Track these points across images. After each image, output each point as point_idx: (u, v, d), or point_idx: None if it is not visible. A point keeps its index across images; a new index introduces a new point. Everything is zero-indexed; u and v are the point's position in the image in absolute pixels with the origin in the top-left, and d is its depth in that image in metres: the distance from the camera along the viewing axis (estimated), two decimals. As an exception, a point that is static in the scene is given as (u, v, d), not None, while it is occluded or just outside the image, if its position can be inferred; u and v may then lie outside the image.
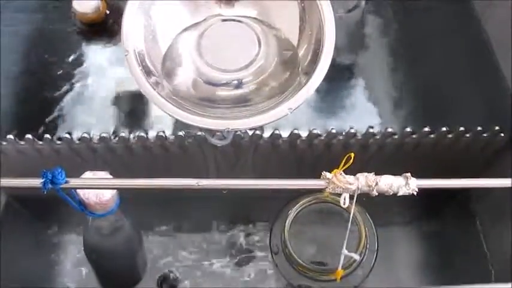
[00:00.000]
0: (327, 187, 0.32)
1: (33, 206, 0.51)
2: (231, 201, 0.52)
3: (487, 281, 0.48)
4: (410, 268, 0.54)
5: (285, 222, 0.43)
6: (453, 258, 0.53)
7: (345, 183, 0.32)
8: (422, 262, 0.54)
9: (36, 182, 0.32)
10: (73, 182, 0.32)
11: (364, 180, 0.32)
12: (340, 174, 0.32)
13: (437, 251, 0.54)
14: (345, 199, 0.33)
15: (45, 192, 0.31)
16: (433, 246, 0.55)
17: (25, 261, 0.53)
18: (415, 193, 0.33)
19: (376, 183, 0.32)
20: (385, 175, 0.33)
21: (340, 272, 0.37)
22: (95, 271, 0.45)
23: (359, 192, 0.32)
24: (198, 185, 0.33)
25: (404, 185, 0.32)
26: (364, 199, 0.37)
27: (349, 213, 0.35)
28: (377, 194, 0.33)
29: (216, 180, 0.33)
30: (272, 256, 0.43)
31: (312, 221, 0.44)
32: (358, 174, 0.33)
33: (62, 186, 0.32)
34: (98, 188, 0.35)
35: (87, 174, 0.37)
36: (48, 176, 0.31)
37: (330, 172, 0.34)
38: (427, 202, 0.54)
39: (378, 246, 0.44)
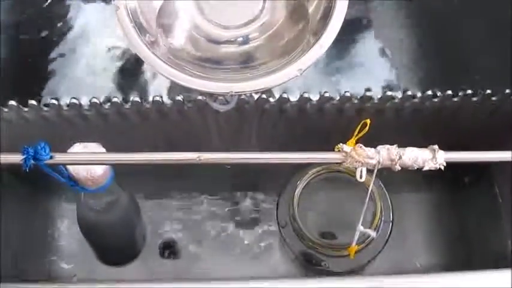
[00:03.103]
0: (344, 161, 0.29)
1: (29, 175, 0.48)
2: (236, 166, 0.49)
3: (503, 255, 0.46)
4: (423, 239, 0.51)
5: (294, 194, 0.40)
6: (469, 230, 0.50)
7: (364, 157, 0.28)
8: (436, 233, 0.52)
9: (16, 158, 0.28)
10: (59, 157, 0.28)
11: (386, 153, 0.29)
12: (360, 147, 0.28)
13: (453, 221, 0.52)
14: (361, 172, 0.30)
15: (27, 170, 0.28)
16: (447, 215, 0.52)
17: (23, 234, 0.51)
18: (442, 168, 0.29)
19: (400, 157, 0.29)
20: (409, 147, 0.29)
21: (354, 248, 0.34)
22: (92, 247, 0.43)
23: (380, 166, 0.29)
24: (199, 160, 0.29)
25: (431, 158, 0.29)
26: (385, 173, 0.33)
27: (364, 184, 0.31)
28: (400, 168, 0.29)
29: (218, 153, 0.29)
30: (279, 229, 0.41)
31: (323, 192, 0.41)
32: (379, 147, 0.29)
33: (46, 162, 0.28)
34: (87, 164, 0.31)
35: (77, 146, 0.33)
36: (29, 152, 0.27)
37: (345, 142, 0.31)
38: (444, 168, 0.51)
39: (393, 218, 0.42)
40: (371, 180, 0.30)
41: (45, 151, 0.28)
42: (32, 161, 0.28)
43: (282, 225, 0.40)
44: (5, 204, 0.47)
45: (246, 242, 0.51)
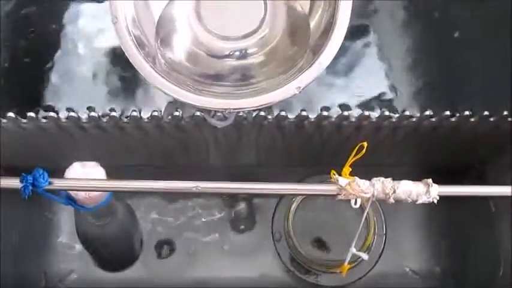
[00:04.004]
0: (338, 194, 0.29)
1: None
2: (234, 170, 0.50)
3: (495, 265, 0.47)
4: (415, 245, 0.52)
5: (289, 210, 0.40)
6: (462, 238, 0.51)
7: (359, 192, 0.29)
8: (429, 239, 0.52)
9: (16, 184, 0.28)
10: (57, 183, 0.29)
11: (381, 187, 0.29)
12: (354, 181, 0.29)
13: (446, 229, 0.52)
14: (356, 201, 0.30)
15: (26, 197, 0.28)
16: (441, 223, 0.53)
17: (23, 233, 0.52)
18: (435, 201, 0.30)
19: (394, 191, 0.29)
20: (403, 181, 0.30)
21: (346, 267, 0.35)
22: (91, 256, 0.44)
23: (374, 199, 0.29)
24: (197, 189, 0.30)
25: (425, 193, 0.29)
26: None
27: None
28: (394, 201, 0.30)
29: (215, 183, 0.30)
30: (274, 243, 0.41)
31: (318, 207, 0.42)
32: (374, 180, 0.30)
33: (45, 188, 0.29)
34: (86, 190, 0.31)
35: (75, 165, 0.34)
36: (28, 180, 0.28)
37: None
38: (438, 178, 0.52)
39: (386, 232, 0.42)
40: (366, 210, 0.31)
41: (43, 178, 0.28)
42: (31, 188, 0.28)
43: (277, 239, 0.41)
44: (5, 203, 0.47)
45: (241, 246, 0.52)
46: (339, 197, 0.29)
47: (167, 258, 0.52)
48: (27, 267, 0.52)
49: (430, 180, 0.30)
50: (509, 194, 0.29)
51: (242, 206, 0.53)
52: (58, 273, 0.53)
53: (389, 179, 0.29)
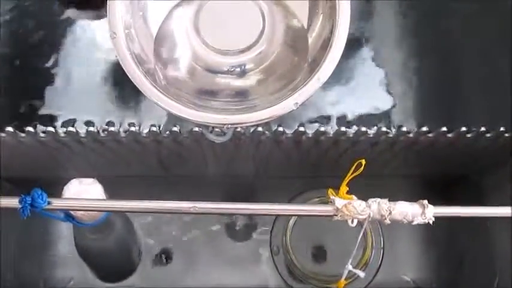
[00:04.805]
0: (335, 215, 0.29)
1: (26, 183, 0.48)
2: (233, 179, 0.50)
3: (491, 275, 0.47)
4: (412, 255, 0.52)
5: (287, 224, 0.40)
6: (459, 248, 0.52)
7: (355, 214, 0.29)
8: (426, 251, 0.53)
9: (15, 203, 0.29)
10: (56, 203, 0.29)
11: (377, 208, 0.29)
12: (351, 203, 0.29)
13: (443, 240, 0.53)
14: (353, 220, 0.31)
15: (24, 218, 0.29)
16: (438, 235, 0.53)
17: (21, 239, 0.52)
18: (431, 222, 0.30)
19: (390, 213, 0.29)
20: (399, 202, 0.30)
21: (343, 283, 0.35)
22: (90, 268, 0.44)
23: (370, 220, 0.30)
24: (194, 210, 0.30)
25: (421, 214, 0.30)
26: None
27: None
28: (390, 222, 0.30)
29: (212, 204, 0.30)
30: (272, 257, 0.41)
31: (316, 222, 0.42)
32: (370, 201, 0.30)
33: (44, 208, 0.29)
34: (84, 210, 0.32)
35: (73, 182, 0.34)
36: (27, 201, 0.28)
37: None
38: (434, 188, 0.52)
39: (383, 245, 0.43)
40: (362, 229, 0.31)
41: (42, 199, 0.29)
42: (30, 208, 0.29)
43: (275, 253, 0.41)
44: (4, 213, 0.47)
45: (238, 256, 0.52)
46: (335, 218, 0.29)
47: (165, 268, 0.52)
48: (27, 275, 0.53)
49: (425, 202, 0.30)
50: (509, 215, 0.29)
51: (240, 216, 0.54)
52: (57, 281, 0.53)
53: (385, 200, 0.29)
